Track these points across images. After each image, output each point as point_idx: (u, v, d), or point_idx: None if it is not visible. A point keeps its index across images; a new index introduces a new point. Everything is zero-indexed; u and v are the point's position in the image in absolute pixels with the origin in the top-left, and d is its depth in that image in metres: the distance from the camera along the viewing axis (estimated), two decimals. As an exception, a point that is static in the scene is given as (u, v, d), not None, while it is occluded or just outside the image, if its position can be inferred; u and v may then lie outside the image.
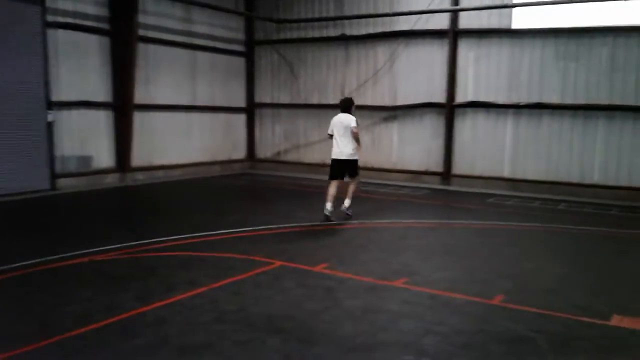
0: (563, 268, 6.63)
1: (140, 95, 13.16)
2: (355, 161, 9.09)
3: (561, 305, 5.33)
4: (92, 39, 12.29)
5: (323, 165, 15.31)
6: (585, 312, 5.14)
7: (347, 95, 10.48)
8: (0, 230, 8.08)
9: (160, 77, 13.80)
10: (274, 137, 16.40)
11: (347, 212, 9.15)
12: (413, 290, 5.68)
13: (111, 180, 12.56)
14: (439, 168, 13.82)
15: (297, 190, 12.51)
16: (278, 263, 6.52)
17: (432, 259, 6.93)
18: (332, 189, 8.99)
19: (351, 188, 9.19)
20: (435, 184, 13.68)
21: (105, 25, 12.47)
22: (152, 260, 6.61)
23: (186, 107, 14.53)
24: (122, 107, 12.76)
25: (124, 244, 7.13)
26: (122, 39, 12.61)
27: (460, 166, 13.60)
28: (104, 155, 12.61)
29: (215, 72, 15.36)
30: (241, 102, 16.33)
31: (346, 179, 9.17)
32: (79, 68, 12.02)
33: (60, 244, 7.07)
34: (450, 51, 13.34)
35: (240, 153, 16.42)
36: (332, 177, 9.09)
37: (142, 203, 11.11)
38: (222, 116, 15.66)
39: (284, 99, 16.07)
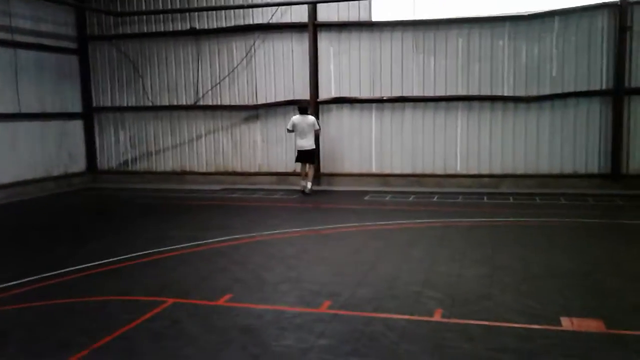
0: (478, 268, 6.30)
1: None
2: (314, 151, 11.92)
3: (502, 313, 4.91)
4: None
5: (182, 172, 13.94)
6: (531, 318, 4.76)
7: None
8: None
9: (-28, 81, 11.32)
10: (118, 145, 14.49)
11: (309, 191, 11.66)
12: (345, 316, 4.87)
13: None
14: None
15: (155, 205, 11.01)
16: (170, 301, 5.30)
17: (344, 272, 6.19)
18: (302, 170, 11.84)
19: (310, 172, 11.81)
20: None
21: None
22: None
23: (9, 116, 12.11)
24: None
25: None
26: None
27: (329, 164, 13.11)
28: None
29: (43, 73, 13.07)
30: (76, 107, 14.16)
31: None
32: None
33: None
34: (311, 45, 12.75)
35: (79, 165, 14.22)
36: (301, 161, 11.84)
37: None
38: (54, 124, 13.39)
39: (128, 101, 14.26)
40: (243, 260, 6.76)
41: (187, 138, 13.96)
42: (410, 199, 11.10)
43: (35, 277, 6.04)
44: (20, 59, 12.42)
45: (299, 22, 12.81)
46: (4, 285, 5.77)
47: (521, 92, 11.88)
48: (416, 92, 12.45)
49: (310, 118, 11.76)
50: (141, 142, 14.27)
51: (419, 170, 12.62)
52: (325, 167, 13.10)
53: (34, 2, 12.53)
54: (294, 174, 13.17)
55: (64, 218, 10.09)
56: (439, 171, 12.51)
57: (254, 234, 8.10)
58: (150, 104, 14.04)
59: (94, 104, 14.44)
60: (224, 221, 9.12)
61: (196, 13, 13.43)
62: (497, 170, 12.21)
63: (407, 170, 12.67)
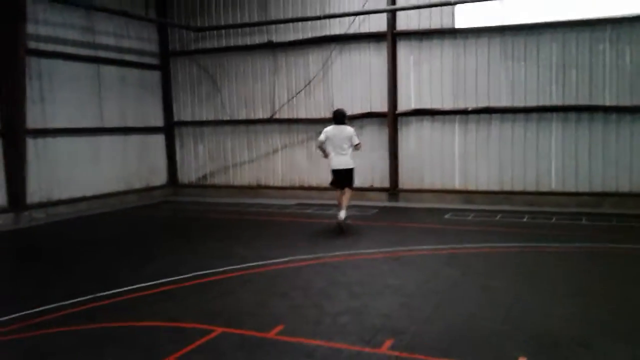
0: (572, 305, 5.40)
1: (35, 119, 11.06)
2: (352, 171, 9.39)
3: (602, 364, 4.06)
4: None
5: (257, 187, 13.75)
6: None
7: (337, 107, 9.93)
8: None
9: (59, 97, 11.69)
10: (197, 159, 14.58)
11: (343, 220, 9.08)
12: (407, 360, 4.23)
13: (1, 222, 10.34)
14: (385, 183, 12.57)
15: (229, 220, 10.81)
16: (218, 330, 4.88)
17: (412, 304, 5.52)
18: (339, 197, 9.31)
19: (346, 198, 9.28)
20: (383, 201, 12.41)
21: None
22: (40, 341, 4.76)
23: (92, 130, 12.46)
24: (12, 134, 10.61)
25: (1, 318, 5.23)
26: (9, 54, 10.51)
27: (407, 180, 12.42)
28: (-9, 193, 10.40)
29: (125, 88, 13.40)
30: (158, 121, 14.42)
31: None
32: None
33: None
34: (390, 55, 12.16)
35: (160, 179, 14.45)
36: (336, 185, 9.40)
37: (36, 251, 9.02)
38: (136, 138, 13.68)
39: (207, 115, 14.32)
40: (304, 284, 6.25)
41: (263, 152, 13.78)
42: (497, 218, 10.15)
43: (88, 297, 5.85)
44: (103, 75, 12.78)
45: (377, 32, 12.28)
46: (54, 305, 5.60)
47: (625, 102, 10.62)
48: (504, 103, 11.49)
49: (348, 130, 9.28)
50: (219, 156, 14.26)
51: (507, 187, 11.61)
52: (403, 183, 12.41)
53: (118, 19, 12.86)
54: (370, 189, 12.60)
55: (136, 232, 10.07)
56: (531, 188, 11.44)
57: (320, 255, 7.59)
58: (228, 118, 14.01)
59: (175, 118, 14.63)
60: (293, 239, 8.68)
61: (273, 26, 13.25)
62: (597, 187, 10.96)
63: (494, 186, 11.71)
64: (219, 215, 11.37)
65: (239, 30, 13.66)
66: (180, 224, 11.00)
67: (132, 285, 6.25)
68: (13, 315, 5.31)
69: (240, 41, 13.74)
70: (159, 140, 14.46)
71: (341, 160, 9.20)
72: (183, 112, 14.58)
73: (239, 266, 7.08)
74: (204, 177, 14.49)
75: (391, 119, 12.31)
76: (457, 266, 6.96)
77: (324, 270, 6.94)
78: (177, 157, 14.73)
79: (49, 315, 5.36)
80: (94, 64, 12.54)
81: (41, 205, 11.10)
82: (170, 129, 14.62)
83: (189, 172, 14.68)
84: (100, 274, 6.93)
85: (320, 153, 9.61)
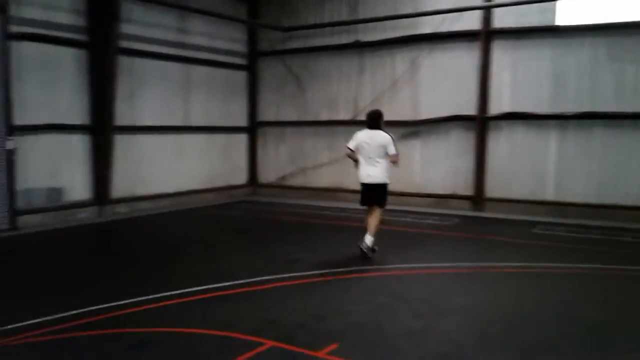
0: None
1: (123, 116, 11.40)
2: (385, 187, 7.58)
3: None
4: (66, 52, 10.56)
5: (336, 190, 13.43)
6: None
7: (369, 109, 8.30)
8: None
9: (148, 95, 12.02)
10: (278, 160, 14.51)
11: (366, 249, 7.40)
12: (469, 398, 3.70)
13: (87, 215, 10.72)
14: (469, 191, 11.83)
15: (302, 223, 10.57)
16: (268, 343, 4.57)
17: (484, 329, 4.94)
18: (368, 216, 7.64)
19: (375, 221, 7.50)
20: (466, 209, 11.67)
21: (81, 37, 10.76)
22: (86, 342, 4.65)
23: (178, 128, 12.72)
24: (101, 130, 10.99)
25: (58, 315, 5.18)
26: (102, 52, 10.90)
27: (494, 188, 11.60)
28: (78, 186, 10.79)
29: (212, 88, 13.59)
30: (242, 121, 14.51)
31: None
32: (50, 86, 10.28)
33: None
34: (482, 55, 11.42)
35: (241, 178, 14.54)
36: (364, 203, 7.69)
37: (113, 245, 9.23)
38: (220, 137, 13.84)
39: (290, 116, 14.22)
40: (366, 299, 5.82)
41: (343, 154, 13.41)
42: (593, 235, 9.17)
43: (142, 299, 5.74)
44: (192, 75, 13.01)
45: (470, 30, 11.58)
46: (103, 305, 5.51)
47: None
48: (610, 108, 10.41)
49: (382, 137, 7.37)
50: (299, 157, 14.11)
51: (607, 200, 10.52)
52: (489, 191, 11.61)
53: (208, 20, 13.03)
54: (452, 196, 11.92)
55: (208, 231, 10.06)
56: (635, 202, 10.28)
57: (389, 267, 7.12)
58: (310, 118, 13.82)
59: (259, 119, 14.65)
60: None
61: (362, 25, 12.88)
62: None
63: (592, 199, 10.65)
64: (294, 217, 11.16)
65: (327, 29, 13.40)
66: (254, 224, 10.91)
67: (190, 287, 6.10)
68: (69, 313, 5.29)
69: (326, 41, 13.50)
70: (242, 139, 14.54)
71: (371, 172, 7.45)
72: (267, 112, 14.58)
73: (301, 273, 6.77)
74: (284, 177, 14.39)
75: (480, 123, 11.56)
76: (543, 288, 6.25)
77: (390, 283, 6.48)
78: (259, 157, 14.76)
79: (105, 313, 5.30)
80: (183, 63, 12.78)
81: (124, 200, 11.43)
82: (253, 128, 14.67)
83: (269, 172, 14.65)
84: (161, 274, 6.86)
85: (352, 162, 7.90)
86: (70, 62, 10.63)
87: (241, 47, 14.36)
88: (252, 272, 6.76)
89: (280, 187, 14.33)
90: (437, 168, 12.23)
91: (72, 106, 10.69)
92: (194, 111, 13.11)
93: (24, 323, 4.95)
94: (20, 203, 9.65)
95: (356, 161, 7.60)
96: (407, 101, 12.55)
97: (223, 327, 4.92)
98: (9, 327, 4.86)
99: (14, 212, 9.49)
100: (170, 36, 12.48)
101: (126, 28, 11.38)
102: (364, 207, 7.70)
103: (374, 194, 7.52)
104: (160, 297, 5.80)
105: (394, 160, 7.38)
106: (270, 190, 14.38)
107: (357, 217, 11.07)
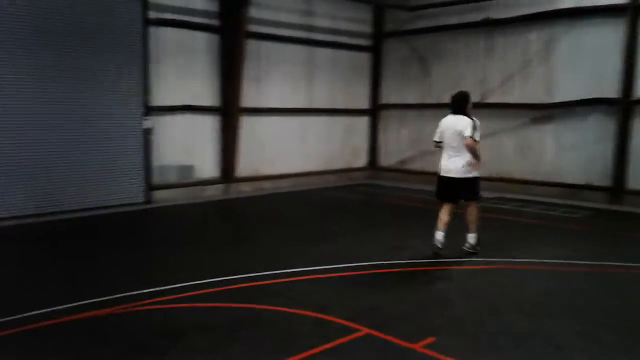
0: None
1: (250, 98, 11.89)
2: (472, 180, 6.61)
3: None
4: (199, 37, 11.21)
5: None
6: None
7: (460, 89, 7.10)
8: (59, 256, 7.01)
9: (273, 78, 12.42)
10: (399, 143, 14.29)
11: (470, 249, 6.84)
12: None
13: (213, 192, 11.39)
14: (606, 182, 10.80)
15: (417, 208, 10.32)
16: (364, 331, 4.55)
17: (596, 336, 4.50)
18: (443, 213, 6.78)
19: (470, 217, 6.79)
20: (600, 202, 10.68)
21: (214, 22, 11.34)
22: (189, 314, 4.93)
23: (301, 110, 13.01)
24: (229, 112, 11.56)
25: (176, 285, 5.59)
26: (232, 36, 11.41)
27: (637, 180, 10.48)
28: (207, 165, 11.49)
29: (336, 70, 13.69)
30: (364, 104, 14.48)
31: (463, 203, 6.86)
32: (184, 69, 11.00)
33: (109, 280, 5.77)
34: (629, 32, 10.30)
35: (361, 161, 14.56)
36: (440, 197, 6.85)
37: (234, 221, 9.75)
38: (342, 119, 13.94)
39: (412, 98, 13.91)
40: (471, 292, 5.56)
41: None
42: None
43: (249, 275, 5.97)
44: (316, 57, 13.19)
45: (616, 4, 10.49)
46: (218, 279, 5.82)
47: None
48: None
49: (461, 120, 6.47)
50: (420, 141, 13.77)
51: None
52: (632, 183, 10.51)
53: (334, 2, 13.08)
54: (587, 187, 10.98)
55: (324, 212, 10.17)
56: None
57: (503, 260, 6.73)
58: (434, 101, 13.40)
59: (381, 101, 14.51)
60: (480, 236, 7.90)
61: (493, 2, 12.17)
62: None
63: None
64: (410, 202, 10.95)
65: (456, 7, 12.82)
66: (369, 208, 10.90)
67: (297, 267, 6.24)
68: (179, 285, 5.66)
69: (454, 20, 12.96)
70: (364, 122, 14.52)
71: (448, 164, 6.58)
72: (389, 94, 14.39)
73: (408, 261, 6.65)
74: (403, 161, 14.16)
75: (623, 107, 10.47)
76: (679, 296, 5.55)
77: (499, 278, 6.14)
78: (380, 140, 14.64)
79: (206, 289, 5.58)
80: (308, 46, 13.00)
81: (248, 179, 11.97)
82: (375, 111, 14.58)
83: (389, 156, 14.50)
84: (274, 251, 7.08)
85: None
86: (203, 46, 11.26)
87: (366, 28, 14.27)
88: (359, 256, 6.77)
89: (399, 170, 14.13)
90: (570, 155, 11.30)
91: (204, 88, 11.35)
92: (317, 93, 13.31)
93: (144, 291, 5.39)
94: (155, 179, 10.50)
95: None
96: (540, 83, 11.70)
97: (320, 310, 4.98)
98: (144, 291, 5.32)
99: (149, 187, 10.35)
100: (296, 19, 12.72)
101: (255, 12, 11.78)
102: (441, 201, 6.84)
103: (454, 189, 6.63)
104: (270, 274, 6.01)
105: (467, 145, 6.33)
106: (389, 174, 14.24)
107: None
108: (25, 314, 4.74)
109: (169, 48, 10.70)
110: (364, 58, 14.32)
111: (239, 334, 4.49)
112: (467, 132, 6.33)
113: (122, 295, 5.26)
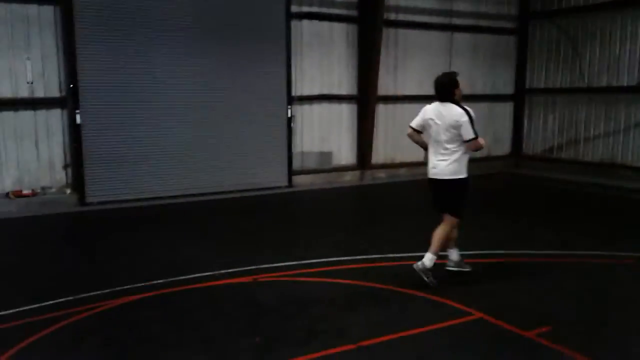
0: None
1: (387, 86, 12.09)
2: (458, 183, 5.26)
3: None
4: (338, 28, 11.63)
5: (611, 165, 12.01)
6: None
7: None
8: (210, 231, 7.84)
9: (410, 65, 12.46)
10: (545, 130, 13.52)
11: (421, 271, 5.20)
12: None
13: (350, 178, 11.79)
14: None
15: (562, 200, 9.79)
16: (477, 315, 4.59)
17: None
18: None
19: (438, 231, 5.31)
20: None
21: (352, 12, 11.70)
22: (315, 287, 5.32)
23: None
24: (365, 100, 11.86)
25: (309, 261, 6.04)
26: (369, 26, 11.67)
27: None
28: (344, 152, 11.92)
29: (476, 55, 13.33)
30: (508, 89, 13.92)
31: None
32: (323, 60, 11.50)
33: (242, 253, 6.40)
34: None
35: (503, 148, 14.02)
36: (435, 206, 5.52)
37: (368, 206, 10.02)
38: (482, 105, 13.44)
39: (562, 82, 13.08)
40: (598, 287, 5.30)
41: (622, 125, 11.85)
42: None
43: (378, 256, 6.24)
44: (455, 42, 12.97)
45: None
46: (349, 257, 6.15)
47: None
48: None
49: (455, 113, 5.19)
50: (570, 128, 12.94)
51: None
52: None
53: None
54: None
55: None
56: None
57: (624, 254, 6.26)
58: (585, 85, 12.51)
59: (526, 86, 13.85)
60: (629, 231, 7.38)
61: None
62: None
63: None
64: (554, 193, 10.43)
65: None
66: (507, 197, 10.55)
67: (418, 251, 6.36)
68: (316, 260, 6.09)
69: (609, -4, 11.99)
70: (507, 108, 13.98)
71: (437, 163, 5.29)
72: (535, 78, 13.67)
73: (537, 252, 6.43)
74: (550, 149, 13.39)
75: None
76: None
77: (631, 275, 5.72)
78: (524, 127, 13.99)
79: (334, 266, 5.94)
80: (447, 31, 12.83)
81: (383, 166, 12.19)
82: (520, 96, 13.95)
83: (534, 144, 13.79)
84: (401, 235, 7.26)
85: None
86: (341, 37, 11.66)
87: (511, 10, 13.67)
88: (485, 244, 6.71)
89: (546, 159, 13.40)
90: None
91: (341, 78, 11.76)
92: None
93: (281, 264, 5.92)
94: (296, 164, 11.16)
95: (424, 147, 5.54)
96: None
97: (433, 292, 5.08)
98: (281, 264, 5.86)
99: (290, 172, 11.04)
100: (435, 4, 12.60)
101: (393, 0, 11.90)
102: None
103: (441, 194, 5.38)
104: (393, 257, 6.22)
105: (472, 149, 5.22)
106: (534, 163, 13.56)
107: (631, 197, 9.85)
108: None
109: (309, 40, 11.24)
110: (508, 41, 13.75)
111: (356, 307, 4.78)
112: (468, 134, 5.09)
113: (264, 266, 5.83)
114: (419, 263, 5.22)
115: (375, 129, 11.94)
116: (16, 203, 8.66)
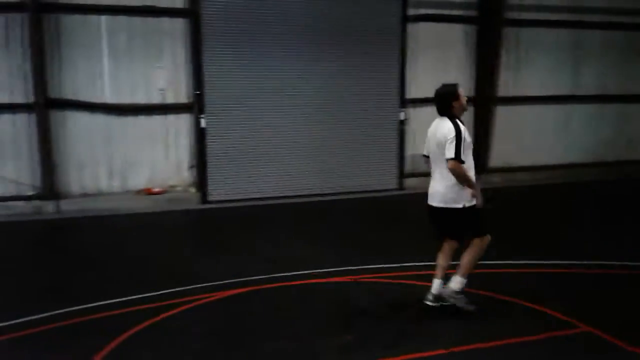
0: None
1: (507, 88, 11.63)
2: (461, 212, 4.63)
3: None
4: (456, 29, 11.41)
5: None
6: None
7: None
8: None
9: (532, 65, 11.84)
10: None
11: (450, 296, 4.72)
12: None
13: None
14: None
15: None
16: (582, 327, 4.34)
17: None
18: (440, 254, 5.00)
19: (468, 255, 4.75)
20: None
21: (471, 13, 11.42)
22: (407, 290, 5.29)
23: (563, 98, 12.13)
24: (483, 102, 11.50)
25: (399, 264, 6.05)
26: (489, 26, 11.33)
27: None
28: (457, 155, 11.63)
29: (607, 53, 12.33)
30: (642, 89, 12.78)
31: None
32: (438, 62, 11.32)
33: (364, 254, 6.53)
34: None
35: (638, 153, 12.86)
36: (436, 235, 5.03)
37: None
38: (614, 107, 12.52)
39: None
40: None
41: None
42: None
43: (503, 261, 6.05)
44: (583, 40, 12.15)
45: None
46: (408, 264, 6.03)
47: None
48: None
49: (443, 129, 4.70)
50: None
51: None
52: None
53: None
54: None
55: (576, 207, 9.45)
56: None
57: None
58: None
59: (667, 85, 12.61)
60: None
61: None
62: None
63: None
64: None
65: None
66: (633, 206, 9.67)
67: (538, 260, 6.11)
68: (405, 264, 6.08)
69: None
70: (642, 109, 12.82)
71: (432, 187, 4.85)
72: (676, 77, 12.41)
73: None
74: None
75: None
76: None
77: None
78: (663, 130, 12.74)
79: (425, 270, 5.82)
80: (573, 29, 12.06)
81: (500, 170, 11.70)
82: (657, 96, 12.72)
83: (673, 147, 12.50)
84: (510, 244, 6.97)
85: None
86: (458, 38, 11.42)
87: (650, 2, 12.53)
88: (591, 254, 6.29)
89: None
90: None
91: (458, 80, 11.39)
92: (584, 79, 12.24)
93: (377, 265, 5.99)
94: (407, 167, 11.11)
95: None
96: None
97: (536, 301, 4.88)
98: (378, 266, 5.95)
99: (401, 175, 11.01)
100: (562, 1, 11.90)
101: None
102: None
103: (440, 222, 4.84)
104: (496, 264, 6.02)
105: (450, 169, 4.53)
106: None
107: None
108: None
109: (424, 42, 11.13)
110: (646, 37, 12.61)
111: (451, 312, 4.70)
112: (449, 152, 4.51)
113: (365, 267, 5.98)
114: (446, 289, 4.72)
115: (492, 132, 11.53)
116: (147, 199, 9.54)
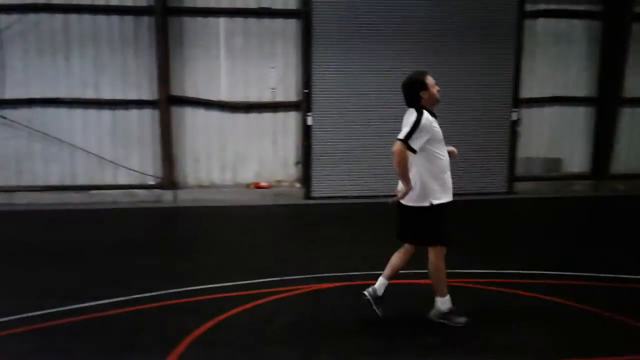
0: None
1: (634, 88, 10.74)
2: (425, 212, 4.36)
3: None
4: (577, 25, 10.77)
5: None
6: None
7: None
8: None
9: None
10: None
11: (440, 318, 4.43)
12: None
13: (581, 188, 10.75)
14: None
15: None
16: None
17: None
18: (394, 255, 4.62)
19: (431, 270, 4.42)
20: None
21: (596, 8, 10.68)
22: (497, 297, 5.07)
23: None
24: (606, 102, 10.70)
25: (487, 270, 5.81)
26: (615, 21, 10.54)
27: None
28: (576, 159, 10.93)
29: None
30: None
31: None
32: (557, 60, 10.75)
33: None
34: None
35: None
36: (398, 235, 4.63)
37: (598, 221, 8.94)
38: None
39: None
40: None
41: None
42: None
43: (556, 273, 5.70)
44: None
45: None
46: (531, 272, 5.73)
47: None
48: None
49: (409, 118, 4.37)
50: None
51: None
52: None
53: None
54: None
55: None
56: None
57: None
58: None
59: None
60: None
61: None
62: None
63: None
64: None
65: None
66: None
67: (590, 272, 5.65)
68: (492, 271, 5.83)
69: None
70: None
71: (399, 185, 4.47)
72: None
73: None
74: None
75: None
76: None
77: None
78: None
79: (523, 279, 5.60)
80: None
81: (623, 177, 10.82)
82: None
83: None
84: (619, 255, 6.47)
85: None
86: (580, 34, 10.79)
87: None
88: None
89: None
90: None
91: (578, 78, 10.83)
92: None
93: (463, 270, 5.83)
94: (519, 170, 10.61)
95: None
96: None
97: (604, 308, 4.59)
98: (464, 271, 5.80)
99: (512, 178, 10.54)
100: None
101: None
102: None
103: (405, 220, 4.49)
104: (605, 277, 5.64)
105: (393, 151, 4.26)
106: None
107: None
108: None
109: (543, 38, 10.61)
110: None
111: (542, 323, 4.48)
112: (401, 133, 4.23)
113: (459, 271, 5.71)
114: (433, 312, 4.45)
115: (616, 134, 10.70)
116: (255, 193, 9.99)
